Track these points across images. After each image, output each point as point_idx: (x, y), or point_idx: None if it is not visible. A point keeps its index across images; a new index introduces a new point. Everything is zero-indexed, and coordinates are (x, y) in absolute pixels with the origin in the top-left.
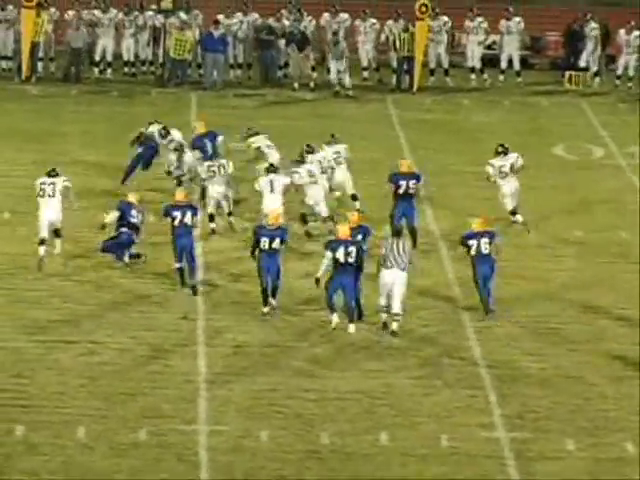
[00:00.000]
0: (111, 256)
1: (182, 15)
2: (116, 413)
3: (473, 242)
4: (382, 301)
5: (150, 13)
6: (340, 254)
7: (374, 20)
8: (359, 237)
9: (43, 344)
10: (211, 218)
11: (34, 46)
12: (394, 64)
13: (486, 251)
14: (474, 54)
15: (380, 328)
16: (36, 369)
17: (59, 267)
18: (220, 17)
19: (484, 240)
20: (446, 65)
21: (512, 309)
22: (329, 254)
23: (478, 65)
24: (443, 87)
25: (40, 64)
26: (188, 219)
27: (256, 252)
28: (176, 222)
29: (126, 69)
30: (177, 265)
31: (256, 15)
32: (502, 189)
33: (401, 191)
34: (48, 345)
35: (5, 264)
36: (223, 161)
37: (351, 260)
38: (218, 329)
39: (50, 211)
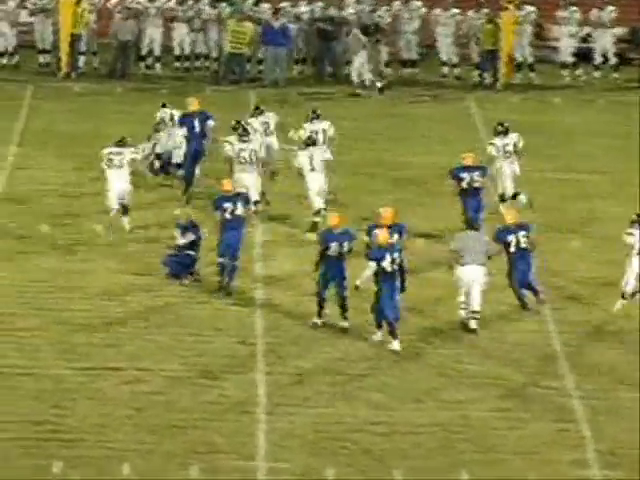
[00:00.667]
0: (167, 274)
1: (240, 4)
2: (164, 448)
3: (511, 238)
4: (461, 298)
5: (205, 1)
6: (387, 263)
7: (456, 10)
8: (396, 237)
9: (84, 371)
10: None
11: (74, 39)
12: (476, 58)
13: (525, 245)
14: (566, 48)
15: (459, 327)
16: (77, 399)
17: (104, 284)
18: (283, 5)
19: (522, 234)
20: (531, 59)
21: (606, 331)
22: (373, 264)
23: (570, 60)
24: (531, 84)
25: (82, 59)
26: (240, 210)
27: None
28: (227, 214)
29: (177, 64)
30: (219, 260)
31: (322, 4)
32: (503, 170)
33: (465, 184)
34: (90, 372)
35: (44, 282)
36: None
37: (396, 267)
38: (278, 354)
39: (118, 183)
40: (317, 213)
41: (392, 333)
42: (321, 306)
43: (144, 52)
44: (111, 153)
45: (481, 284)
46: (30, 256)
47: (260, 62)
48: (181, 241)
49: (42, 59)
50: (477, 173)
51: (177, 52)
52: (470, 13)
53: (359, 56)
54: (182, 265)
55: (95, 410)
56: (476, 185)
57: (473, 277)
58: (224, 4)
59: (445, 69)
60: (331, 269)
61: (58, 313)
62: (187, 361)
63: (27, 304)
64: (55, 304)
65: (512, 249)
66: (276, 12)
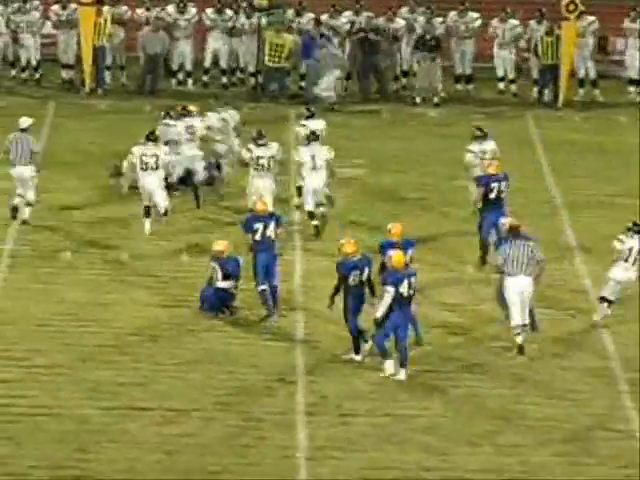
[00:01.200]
0: (201, 308)
1: (280, 14)
2: None
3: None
4: (516, 318)
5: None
6: (404, 288)
7: (516, 21)
8: (409, 254)
9: (110, 411)
10: None
11: (97, 52)
12: (535, 74)
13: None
14: (632, 62)
15: (515, 352)
16: (102, 441)
17: (131, 317)
18: (324, 17)
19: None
20: (593, 75)
21: None
22: (391, 289)
23: (637, 76)
24: (594, 101)
25: (108, 74)
26: (271, 231)
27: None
28: (257, 236)
29: (205, 78)
30: (261, 287)
31: (369, 14)
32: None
33: (493, 195)
34: (116, 412)
35: (68, 314)
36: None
37: (412, 292)
38: (321, 394)
39: (153, 185)
40: (311, 216)
41: (403, 363)
42: (356, 341)
43: (175, 67)
44: (145, 155)
45: (529, 297)
46: (52, 286)
47: (302, 77)
48: (221, 284)
49: (65, 74)
50: (505, 183)
51: (207, 64)
52: (532, 23)
53: (331, 74)
54: (220, 300)
55: (122, 454)
56: (502, 196)
57: (522, 289)
58: (261, 13)
59: (501, 85)
60: (354, 299)
61: (82, 348)
62: (222, 401)
63: (49, 338)
64: (79, 338)
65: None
66: (318, 23)
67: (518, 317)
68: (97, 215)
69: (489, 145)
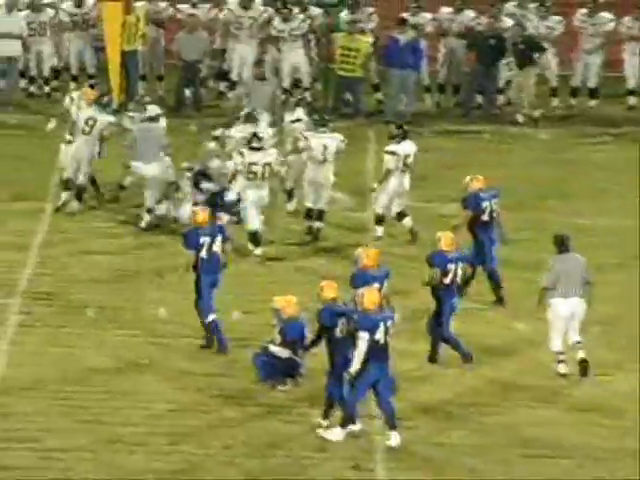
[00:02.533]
0: (260, 377)
1: (350, 13)
2: None
3: (451, 267)
4: (556, 344)
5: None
6: (380, 333)
7: None
8: (385, 284)
9: None
10: None
11: (127, 57)
12: None
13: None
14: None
15: (560, 375)
16: None
17: (168, 390)
18: (405, 15)
19: (461, 265)
20: None
21: None
22: (365, 336)
23: None
24: None
25: (141, 85)
26: (217, 246)
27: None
28: (203, 252)
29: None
30: (211, 317)
31: (471, 14)
32: (389, 185)
33: (485, 217)
34: None
35: (89, 386)
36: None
37: (389, 339)
38: None
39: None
40: (309, 215)
41: (391, 424)
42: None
43: (235, 75)
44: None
45: (581, 319)
46: (71, 350)
47: (377, 88)
48: (275, 350)
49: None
50: (495, 200)
51: (286, 84)
52: None
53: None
54: (276, 368)
55: None
56: (494, 215)
57: (573, 311)
58: (327, 11)
59: (632, 99)
60: (341, 355)
61: (108, 428)
62: None
63: (67, 415)
64: (104, 416)
65: (447, 281)
66: (402, 22)
67: (559, 342)
68: (125, 260)
69: (411, 148)
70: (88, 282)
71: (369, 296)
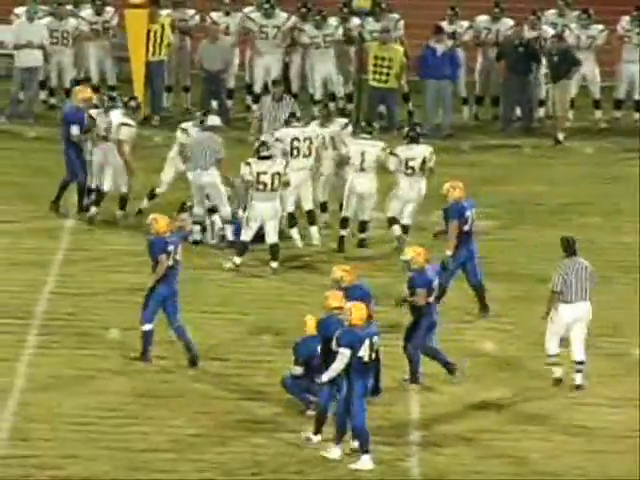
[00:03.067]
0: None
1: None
2: None
3: (435, 285)
4: (552, 347)
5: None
6: (365, 350)
7: None
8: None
9: None
10: None
11: (152, 68)
12: None
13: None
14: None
15: (555, 384)
16: None
17: (193, 415)
18: (443, 23)
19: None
20: None
21: None
22: (347, 352)
23: None
24: None
25: (166, 97)
26: (179, 254)
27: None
28: (170, 260)
29: (315, 110)
30: (148, 327)
31: (510, 22)
32: (399, 188)
33: (467, 227)
34: None
35: (111, 409)
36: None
37: (374, 356)
38: None
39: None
40: (345, 223)
41: (364, 447)
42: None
43: (258, 88)
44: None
45: (587, 324)
46: (92, 373)
47: (405, 99)
48: (295, 371)
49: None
50: (474, 210)
51: (318, 96)
52: None
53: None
54: (301, 389)
55: None
56: (473, 227)
57: (578, 317)
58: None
59: None
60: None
61: (133, 454)
62: None
63: (89, 441)
64: (127, 442)
65: (430, 299)
66: (439, 31)
67: (555, 345)
68: (137, 281)
69: (420, 152)
70: (110, 302)
71: (357, 312)
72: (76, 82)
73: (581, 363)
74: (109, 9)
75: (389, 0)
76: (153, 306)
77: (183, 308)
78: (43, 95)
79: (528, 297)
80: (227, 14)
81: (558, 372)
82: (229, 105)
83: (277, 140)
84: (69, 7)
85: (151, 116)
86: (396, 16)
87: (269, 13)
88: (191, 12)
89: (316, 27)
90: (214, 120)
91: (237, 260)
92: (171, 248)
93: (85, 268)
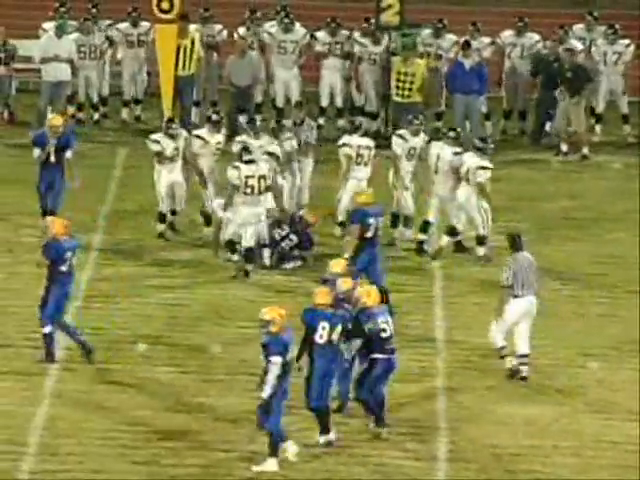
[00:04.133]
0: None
1: (413, 36)
2: None
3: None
4: (499, 339)
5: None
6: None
7: None
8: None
9: None
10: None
11: (182, 83)
12: None
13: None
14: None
15: (509, 375)
16: None
17: (225, 436)
18: (507, 34)
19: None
20: None
21: None
22: (278, 360)
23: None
24: None
25: (195, 112)
26: (75, 260)
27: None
28: (64, 266)
29: (321, 121)
30: (47, 330)
31: (536, 36)
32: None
33: (370, 234)
34: None
35: (141, 424)
36: None
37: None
38: None
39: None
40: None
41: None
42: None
43: (280, 102)
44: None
45: (532, 319)
46: (121, 388)
47: (438, 117)
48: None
49: (125, 114)
50: (381, 218)
51: (324, 103)
52: None
53: None
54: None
55: None
56: (379, 234)
57: (527, 310)
58: (393, 35)
59: None
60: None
61: (162, 469)
62: None
63: (118, 456)
64: (157, 456)
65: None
66: (467, 46)
67: (502, 337)
68: (181, 295)
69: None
70: (138, 316)
71: (282, 318)
72: (103, 97)
73: (526, 356)
74: (145, 24)
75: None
76: (53, 308)
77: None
78: (71, 110)
79: (555, 313)
80: (248, 29)
81: (509, 363)
82: (257, 119)
83: (344, 145)
84: (104, 21)
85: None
86: (454, 37)
87: (288, 28)
88: (219, 27)
89: (331, 34)
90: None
91: (249, 267)
92: (66, 255)
93: (114, 283)
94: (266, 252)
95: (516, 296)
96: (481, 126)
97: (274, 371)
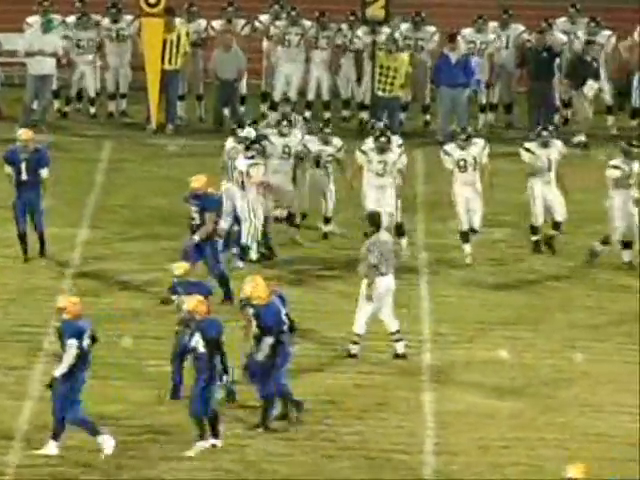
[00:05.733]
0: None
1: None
2: None
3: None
4: (360, 327)
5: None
6: (86, 341)
7: None
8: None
9: None
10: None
11: (167, 77)
12: None
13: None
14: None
15: (350, 356)
16: None
17: None
18: (467, 31)
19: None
20: None
21: None
22: (74, 343)
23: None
24: None
25: (180, 106)
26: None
27: None
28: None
29: (307, 113)
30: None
31: (520, 27)
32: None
33: (197, 221)
34: None
35: (142, 418)
36: None
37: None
38: None
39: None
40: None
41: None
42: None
43: (277, 97)
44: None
45: (392, 297)
46: (109, 382)
47: (425, 110)
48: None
49: (113, 107)
50: (195, 208)
51: (311, 96)
52: None
53: None
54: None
55: None
56: (194, 224)
57: (388, 288)
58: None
59: None
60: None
61: (150, 463)
62: None
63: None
64: (146, 451)
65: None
66: (453, 39)
67: (363, 324)
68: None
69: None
70: (124, 311)
71: (75, 305)
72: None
73: (397, 332)
74: (128, 17)
75: (401, 10)
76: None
77: None
78: (57, 104)
79: (544, 305)
80: (229, 22)
81: (355, 349)
82: (242, 111)
83: (446, 154)
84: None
85: (165, 125)
86: (433, 29)
87: (295, 20)
88: (203, 23)
89: (322, 28)
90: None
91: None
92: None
93: (100, 277)
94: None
95: (381, 274)
96: (465, 119)
97: (71, 353)
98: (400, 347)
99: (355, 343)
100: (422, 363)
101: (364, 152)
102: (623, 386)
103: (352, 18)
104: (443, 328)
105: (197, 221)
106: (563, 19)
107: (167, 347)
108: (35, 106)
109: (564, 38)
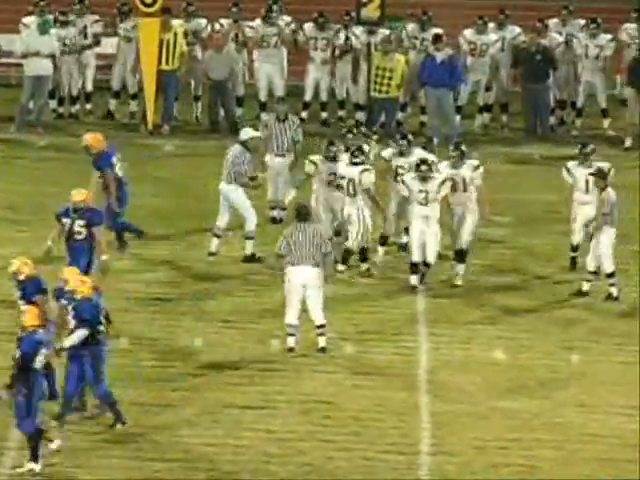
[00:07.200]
0: None
1: (400, 28)
2: None
3: None
4: (291, 316)
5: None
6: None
7: None
8: None
9: None
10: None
11: (164, 77)
12: None
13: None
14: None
15: (288, 350)
16: None
17: (207, 431)
18: (467, 32)
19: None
20: None
21: None
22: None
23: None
24: None
25: (176, 105)
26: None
27: None
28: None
29: (304, 114)
30: None
31: (516, 29)
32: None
33: (65, 233)
34: None
35: (138, 418)
36: None
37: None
38: None
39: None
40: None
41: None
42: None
43: (263, 97)
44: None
45: (318, 291)
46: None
47: (423, 110)
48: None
49: (112, 107)
50: (81, 222)
51: (308, 97)
52: None
53: None
54: None
55: None
56: (78, 238)
57: (305, 282)
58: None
59: None
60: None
61: (147, 464)
62: None
63: (104, 449)
64: (142, 451)
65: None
66: (438, 40)
67: (294, 315)
68: (165, 290)
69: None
70: (121, 311)
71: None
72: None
73: (322, 327)
74: (91, 17)
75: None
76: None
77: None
78: (53, 104)
79: (539, 305)
80: (236, 22)
81: (292, 342)
82: (239, 113)
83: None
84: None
85: (161, 126)
86: (440, 31)
87: (272, 21)
88: (202, 22)
89: (320, 28)
90: (247, 133)
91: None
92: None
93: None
94: None
95: (292, 264)
96: (452, 120)
97: (83, 332)
98: (322, 341)
99: (291, 335)
100: (418, 364)
101: (386, 159)
102: (619, 387)
103: (347, 18)
104: (438, 329)
105: (82, 236)
106: (555, 20)
107: None
108: (31, 106)
109: (560, 39)
